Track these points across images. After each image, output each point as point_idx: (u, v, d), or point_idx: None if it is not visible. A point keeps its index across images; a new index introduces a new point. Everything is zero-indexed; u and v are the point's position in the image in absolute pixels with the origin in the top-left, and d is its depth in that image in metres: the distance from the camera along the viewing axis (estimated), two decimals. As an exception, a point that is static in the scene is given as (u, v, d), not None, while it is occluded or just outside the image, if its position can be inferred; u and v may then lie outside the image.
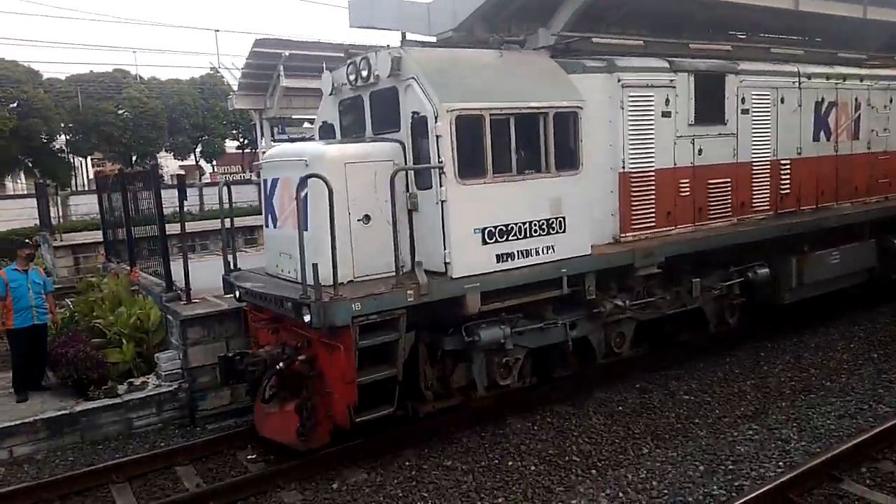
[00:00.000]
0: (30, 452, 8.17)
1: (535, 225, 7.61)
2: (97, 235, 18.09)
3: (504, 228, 7.38)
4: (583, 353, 8.90)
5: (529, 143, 7.64)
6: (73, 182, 43.68)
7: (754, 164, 10.29)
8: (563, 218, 7.83)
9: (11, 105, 35.40)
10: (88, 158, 49.18)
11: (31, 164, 39.64)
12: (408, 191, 7.36)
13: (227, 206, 8.45)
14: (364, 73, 7.75)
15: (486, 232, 7.27)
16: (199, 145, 45.65)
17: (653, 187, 9.11)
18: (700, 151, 9.58)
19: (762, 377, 9.45)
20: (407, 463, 7.36)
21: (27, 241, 12.29)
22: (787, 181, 10.80)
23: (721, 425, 7.92)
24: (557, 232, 7.80)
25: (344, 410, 6.81)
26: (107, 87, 40.79)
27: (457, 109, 6.94)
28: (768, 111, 10.39)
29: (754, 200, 10.39)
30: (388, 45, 7.51)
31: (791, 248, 10.61)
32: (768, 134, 10.43)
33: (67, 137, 41.20)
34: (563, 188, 7.79)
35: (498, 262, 7.39)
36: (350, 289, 6.91)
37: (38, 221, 26.51)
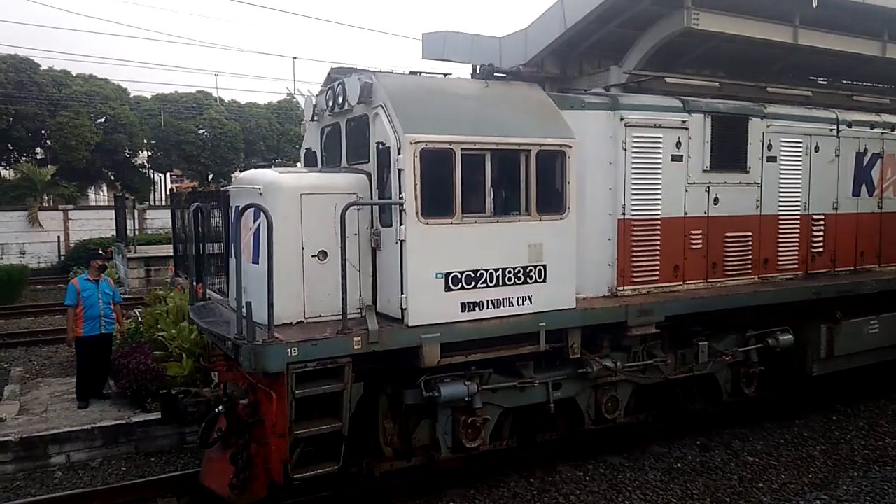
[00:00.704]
0: (85, 459, 8.44)
1: (509, 273, 6.88)
2: (169, 249, 18.40)
3: (472, 275, 6.68)
4: (573, 416, 8.05)
5: (509, 182, 6.98)
6: (151, 196, 45.77)
7: (781, 217, 9.30)
8: (544, 266, 7.07)
9: (99, 120, 37.29)
10: (168, 174, 51.33)
11: (113, 177, 41.87)
12: (372, 227, 6.78)
13: (196, 229, 8.04)
14: (339, 99, 7.26)
15: (451, 278, 6.58)
16: (273, 167, 46.93)
17: (658, 237, 8.27)
18: (716, 200, 8.70)
19: (833, 443, 8.86)
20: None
21: (100, 252, 12.73)
22: (820, 238, 9.74)
23: (787, 492, 7.48)
24: (536, 281, 7.05)
25: (278, 465, 6.16)
26: (189, 107, 42.89)
27: (422, 142, 6.34)
28: (799, 160, 9.43)
29: (780, 258, 9.38)
30: (360, 71, 6.99)
31: (822, 314, 9.52)
32: (799, 185, 9.45)
33: (149, 153, 43.30)
34: (545, 234, 7.06)
35: (463, 311, 6.67)
36: (296, 331, 6.33)
37: (115, 232, 27.47)
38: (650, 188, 8.18)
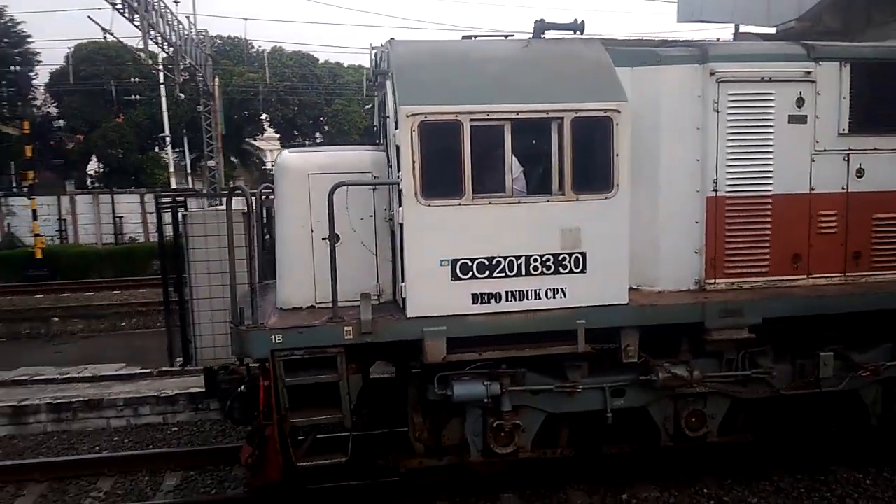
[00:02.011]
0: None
1: (536, 261, 5.96)
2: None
3: (486, 262, 5.90)
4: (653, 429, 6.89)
5: (536, 155, 6.03)
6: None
7: (971, 192, 6.99)
8: (582, 254, 6.02)
9: (367, 106, 40.77)
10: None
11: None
12: (389, 208, 6.31)
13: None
14: (371, 70, 6.84)
15: (460, 265, 5.86)
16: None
17: (767, 219, 6.66)
18: (860, 172, 6.77)
19: None
20: None
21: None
22: None
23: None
24: (572, 271, 6.03)
25: (273, 451, 6.05)
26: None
27: (421, 114, 5.67)
28: None
29: (968, 247, 7.07)
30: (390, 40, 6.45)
31: None
32: None
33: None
34: (584, 216, 5.99)
35: (476, 302, 5.92)
36: (304, 316, 6.12)
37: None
38: (755, 158, 6.59)
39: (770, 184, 6.64)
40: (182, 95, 29.10)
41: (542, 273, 5.98)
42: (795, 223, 6.72)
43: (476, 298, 5.92)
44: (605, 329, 6.22)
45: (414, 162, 5.70)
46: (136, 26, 20.02)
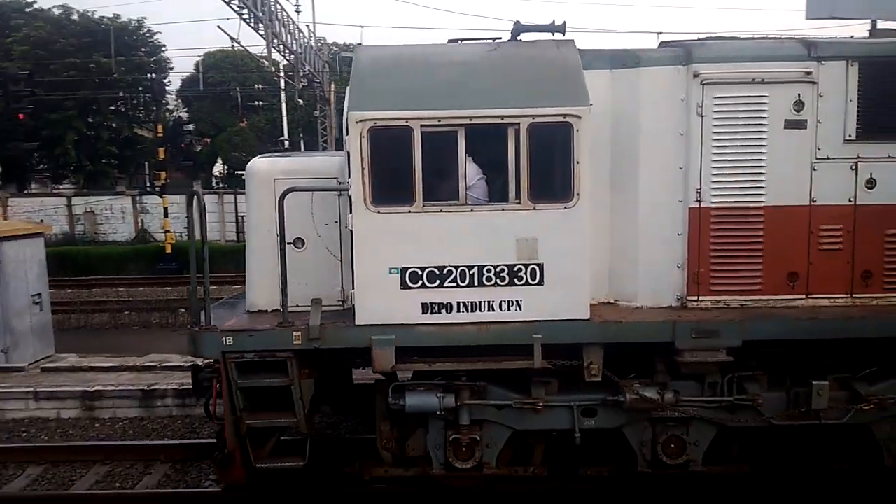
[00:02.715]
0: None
1: (489, 271, 5.77)
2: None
3: (437, 272, 5.76)
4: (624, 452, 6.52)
5: (494, 162, 5.83)
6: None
7: None
8: (540, 266, 5.76)
9: None
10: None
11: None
12: (351, 213, 6.29)
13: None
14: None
15: (409, 274, 5.76)
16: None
17: (759, 233, 6.15)
18: (871, 183, 6.13)
19: None
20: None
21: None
22: None
23: None
24: (528, 283, 5.78)
25: (231, 451, 6.17)
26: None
27: (370, 119, 5.62)
28: None
29: None
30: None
31: None
32: None
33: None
34: (542, 225, 5.73)
35: (425, 312, 5.79)
36: (268, 318, 6.21)
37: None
38: (745, 167, 6.10)
39: (762, 194, 6.12)
40: (301, 101, 30.45)
41: (496, 284, 5.78)
42: (792, 238, 6.16)
43: (426, 308, 5.79)
44: (569, 345, 5.93)
45: (363, 168, 5.65)
46: (261, 35, 21.10)
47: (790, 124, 6.08)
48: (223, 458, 6.44)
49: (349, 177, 5.76)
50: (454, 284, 5.77)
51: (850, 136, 6.08)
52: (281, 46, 22.86)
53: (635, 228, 6.24)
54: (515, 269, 5.76)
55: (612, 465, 6.66)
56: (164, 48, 39.90)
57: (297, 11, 30.39)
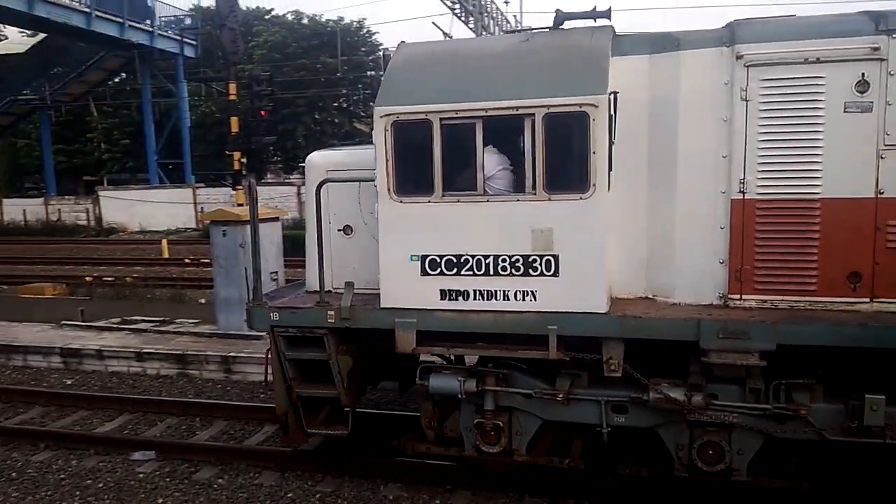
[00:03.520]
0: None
1: (504, 261, 5.83)
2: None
3: (454, 260, 5.94)
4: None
5: (514, 153, 5.87)
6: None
7: None
8: (555, 257, 5.72)
9: None
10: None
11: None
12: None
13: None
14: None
15: (428, 261, 6.00)
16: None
17: (815, 228, 5.57)
18: (956, 172, 5.30)
19: None
20: None
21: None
22: None
23: None
24: (543, 274, 5.77)
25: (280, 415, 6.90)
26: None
27: (393, 114, 5.92)
28: None
29: None
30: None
31: None
32: None
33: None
34: (557, 216, 5.68)
35: (443, 298, 6.00)
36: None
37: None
38: (796, 155, 5.55)
39: (818, 186, 5.53)
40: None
41: (511, 274, 5.84)
42: (854, 234, 5.50)
43: (444, 294, 6.01)
44: (592, 338, 5.84)
45: (387, 160, 5.99)
46: (470, 28, 22.18)
47: (852, 107, 5.41)
48: (284, 421, 7.18)
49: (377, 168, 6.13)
50: (471, 273, 5.93)
51: (929, 118, 5.29)
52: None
53: (673, 220, 5.94)
54: (530, 259, 5.78)
55: (652, 466, 6.41)
56: (381, 47, 43.02)
57: (506, 2, 30.86)
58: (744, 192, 5.68)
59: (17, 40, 46.31)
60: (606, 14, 6.27)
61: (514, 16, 28.20)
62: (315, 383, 6.81)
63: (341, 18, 44.85)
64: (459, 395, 6.21)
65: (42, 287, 18.00)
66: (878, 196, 5.44)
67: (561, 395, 6.03)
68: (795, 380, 5.64)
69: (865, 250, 5.50)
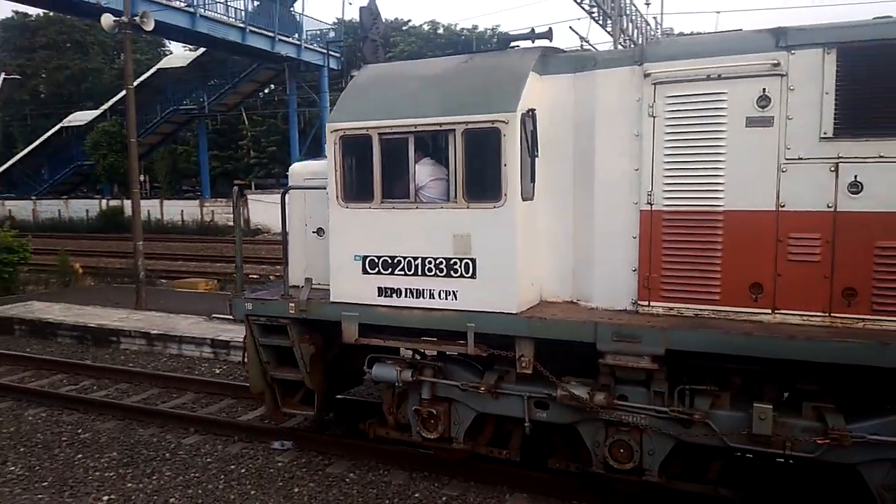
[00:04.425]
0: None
1: (430, 263, 6.41)
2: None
3: (389, 260, 6.58)
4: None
5: (446, 165, 6.43)
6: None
7: None
8: (473, 261, 6.24)
9: None
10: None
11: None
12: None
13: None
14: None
15: (368, 261, 6.68)
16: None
17: (717, 239, 5.78)
18: (856, 187, 5.34)
19: None
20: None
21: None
22: None
23: None
24: (463, 276, 6.30)
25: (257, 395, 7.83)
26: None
27: (341, 129, 6.66)
28: None
29: None
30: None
31: None
32: None
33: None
34: (474, 223, 6.20)
35: (380, 295, 6.66)
36: (295, 293, 7.67)
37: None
38: (699, 169, 5.79)
39: (721, 198, 5.73)
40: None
41: (436, 275, 6.41)
42: (756, 246, 5.65)
43: (381, 291, 6.67)
44: (500, 336, 6.30)
45: (336, 170, 6.74)
46: (608, 32, 22.04)
47: (753, 122, 5.58)
48: (266, 400, 8.06)
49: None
50: (403, 273, 6.55)
51: (826, 133, 5.37)
52: (628, 41, 23.20)
53: (592, 230, 6.30)
54: (451, 262, 6.33)
55: (577, 463, 6.73)
56: None
57: (647, 4, 30.42)
58: (651, 204, 5.96)
59: (180, 55, 51.38)
60: (547, 35, 6.71)
61: (654, 18, 27.47)
62: (288, 367, 7.65)
63: (475, 27, 46.17)
64: (396, 384, 6.84)
65: (195, 282, 19.39)
66: (780, 209, 5.56)
67: (483, 389, 6.52)
68: (698, 386, 5.84)
69: (767, 262, 5.63)
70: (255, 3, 37.37)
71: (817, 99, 5.37)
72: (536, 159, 6.26)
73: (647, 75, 5.87)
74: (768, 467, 6.27)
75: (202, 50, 43.11)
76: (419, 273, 6.48)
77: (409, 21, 52.07)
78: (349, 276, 6.79)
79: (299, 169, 7.89)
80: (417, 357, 7.28)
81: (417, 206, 6.45)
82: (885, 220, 5.25)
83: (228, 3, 35.86)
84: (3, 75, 59.86)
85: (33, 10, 57.62)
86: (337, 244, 6.84)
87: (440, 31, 48.25)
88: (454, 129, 6.19)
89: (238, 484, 7.25)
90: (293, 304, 7.14)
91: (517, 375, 6.57)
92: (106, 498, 7.00)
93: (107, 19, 15.80)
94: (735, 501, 6.13)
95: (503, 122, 6.00)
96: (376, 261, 6.66)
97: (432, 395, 6.88)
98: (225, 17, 35.54)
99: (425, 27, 49.79)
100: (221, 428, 8.70)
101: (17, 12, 62.17)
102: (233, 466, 7.66)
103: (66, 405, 9.74)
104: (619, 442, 6.19)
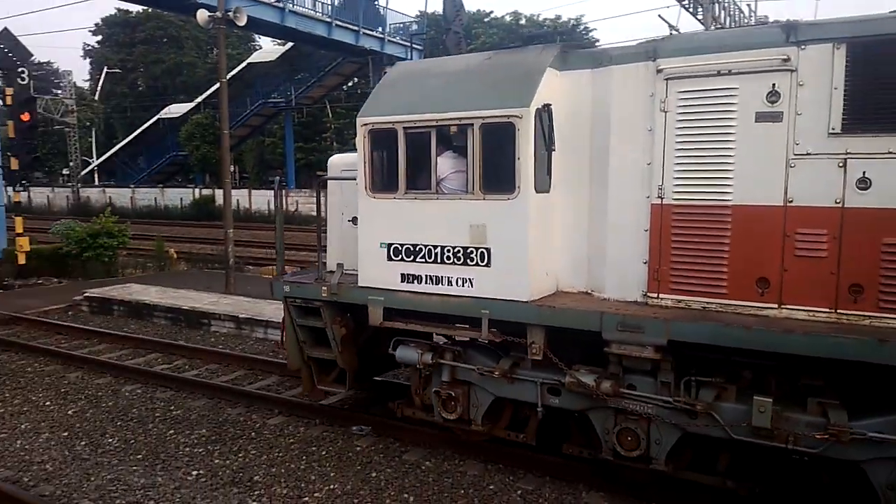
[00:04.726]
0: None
1: (449, 251, 6.71)
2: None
3: (412, 248, 6.93)
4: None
5: (464, 158, 6.72)
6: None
7: None
8: (488, 250, 6.50)
9: None
10: None
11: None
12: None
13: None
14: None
15: (392, 248, 7.04)
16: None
17: (725, 233, 5.84)
18: (864, 183, 5.32)
19: None
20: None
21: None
22: None
23: None
24: (478, 264, 6.57)
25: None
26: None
27: (369, 124, 7.04)
28: None
29: None
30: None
31: None
32: None
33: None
34: (490, 214, 6.46)
35: (403, 281, 7.02)
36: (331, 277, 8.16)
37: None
38: (709, 163, 5.86)
39: (729, 193, 5.79)
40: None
41: (454, 263, 6.71)
42: (763, 241, 5.68)
43: (403, 278, 7.03)
44: (513, 323, 6.54)
45: (365, 162, 7.14)
46: (699, 20, 21.34)
47: (763, 117, 5.61)
48: (304, 377, 8.58)
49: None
50: (423, 260, 6.88)
51: (834, 128, 5.35)
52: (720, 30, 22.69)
53: (605, 223, 6.46)
54: (468, 250, 6.62)
55: (590, 450, 6.90)
56: (597, 44, 44.12)
57: None
58: (662, 198, 6.07)
59: (269, 49, 53.54)
60: (570, 33, 6.88)
61: (749, 4, 26.38)
62: (323, 347, 8.13)
63: (558, 17, 45.89)
64: (417, 366, 7.20)
65: (279, 269, 20.62)
66: (787, 204, 5.58)
67: (497, 373, 6.79)
68: (705, 378, 5.93)
69: (774, 257, 5.65)
70: (341, -2, 38.33)
71: (826, 94, 5.35)
72: (553, 153, 6.47)
73: (659, 71, 5.97)
74: (779, 464, 6.25)
75: (290, 44, 44.50)
76: (438, 261, 6.80)
77: (491, 13, 52.03)
78: (375, 262, 7.18)
79: (337, 161, 8.34)
80: (448, 342, 7.58)
81: (438, 197, 6.76)
82: (893, 216, 5.20)
83: (317, -2, 36.97)
84: (105, 69, 63.78)
85: (133, 7, 60.99)
86: (365, 232, 7.24)
87: (522, 21, 47.93)
88: (472, 124, 6.46)
89: (319, 465, 7.42)
90: (325, 288, 7.60)
91: (532, 362, 6.81)
92: (195, 473, 7.28)
93: (202, 14, 16.66)
94: (740, 494, 6.18)
95: (517, 116, 6.24)
96: (400, 248, 7.02)
97: (452, 378, 7.20)
98: (312, 12, 36.57)
99: (507, 18, 49.59)
100: (303, 411, 8.86)
101: (119, 9, 65.91)
102: (314, 448, 7.85)
103: (161, 383, 10.23)
104: (626, 430, 6.34)
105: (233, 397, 9.51)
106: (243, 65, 48.83)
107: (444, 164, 6.82)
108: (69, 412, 9.11)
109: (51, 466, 7.47)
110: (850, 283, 5.39)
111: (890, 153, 5.17)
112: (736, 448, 6.14)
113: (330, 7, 37.57)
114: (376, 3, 41.04)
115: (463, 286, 6.70)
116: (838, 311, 5.45)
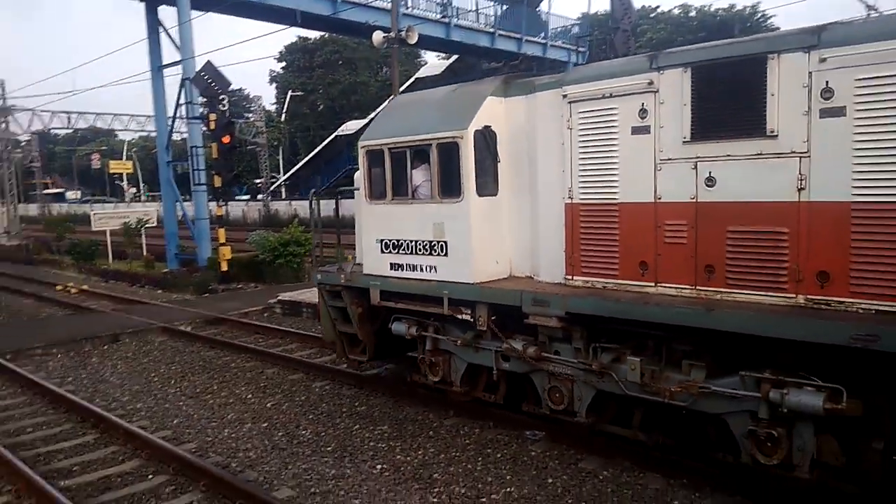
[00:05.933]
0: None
1: (420, 244, 8.47)
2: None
3: (396, 242, 8.75)
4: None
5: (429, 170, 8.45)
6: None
7: (857, 206, 5.65)
8: (446, 242, 8.19)
9: None
10: None
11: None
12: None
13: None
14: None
15: (384, 243, 8.91)
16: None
17: (614, 226, 7.18)
18: (710, 181, 6.48)
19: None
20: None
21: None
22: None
23: None
24: (440, 254, 8.27)
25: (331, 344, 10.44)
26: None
27: (366, 146, 8.97)
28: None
29: (855, 273, 5.70)
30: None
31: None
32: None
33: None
34: (445, 214, 8.14)
35: (391, 269, 8.86)
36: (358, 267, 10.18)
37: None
38: (601, 169, 7.21)
39: (616, 193, 7.10)
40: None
41: (424, 253, 8.46)
42: (642, 231, 6.94)
43: (392, 266, 8.88)
44: (462, 301, 8.16)
45: (364, 176, 9.09)
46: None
47: (636, 130, 6.88)
48: (340, 349, 10.64)
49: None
50: (404, 252, 8.70)
51: (685, 137, 6.53)
52: None
53: (538, 219, 7.92)
54: (433, 243, 8.35)
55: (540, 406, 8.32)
56: (775, 30, 41.56)
57: None
58: (571, 198, 7.47)
59: (434, 64, 56.62)
60: (528, 68, 8.43)
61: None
62: (349, 324, 10.14)
63: (732, 6, 43.28)
64: (406, 336, 9.01)
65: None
66: (657, 201, 6.81)
67: (459, 343, 8.46)
68: (608, 345, 7.25)
69: (650, 244, 6.89)
70: (504, 8, 38.39)
71: (679, 109, 6.54)
72: (499, 164, 8.06)
73: (564, 96, 7.39)
74: (679, 419, 7.34)
75: (454, 57, 45.50)
76: (413, 252, 8.59)
77: (658, 7, 49.37)
78: (373, 254, 9.10)
79: (359, 175, 10.35)
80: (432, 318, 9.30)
81: (412, 202, 8.56)
82: (733, 208, 6.30)
83: (479, 11, 37.48)
84: (290, 93, 70.29)
85: (312, 34, 66.60)
86: (366, 231, 9.18)
87: (692, 14, 44.72)
88: (432, 143, 8.20)
89: (494, 467, 7.51)
90: (343, 276, 9.62)
91: (491, 333, 8.39)
92: (379, 466, 7.63)
93: (377, 36, 18.49)
94: (648, 444, 7.39)
95: (460, 137, 7.90)
96: (389, 243, 8.89)
97: (434, 348, 8.94)
98: (475, 25, 37.25)
99: (675, 11, 46.63)
100: (477, 413, 9.01)
101: (299, 36, 71.99)
102: (489, 450, 7.97)
103: (346, 380, 10.87)
104: (554, 388, 7.77)
105: (409, 398, 9.85)
106: (412, 80, 51.50)
107: (418, 176, 8.60)
108: (268, 405, 9.96)
109: (254, 454, 8.12)
110: (705, 263, 6.53)
111: (728, 156, 6.28)
112: (648, 406, 7.28)
113: (493, 18, 37.90)
114: (538, 9, 40.74)
115: (430, 272, 8.44)
116: (697, 287, 6.60)
